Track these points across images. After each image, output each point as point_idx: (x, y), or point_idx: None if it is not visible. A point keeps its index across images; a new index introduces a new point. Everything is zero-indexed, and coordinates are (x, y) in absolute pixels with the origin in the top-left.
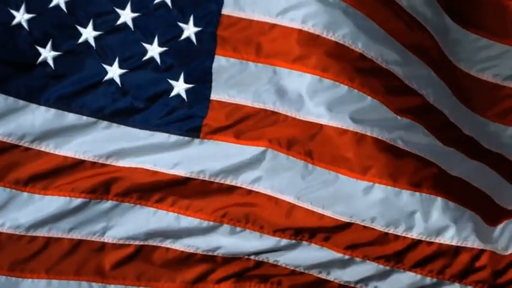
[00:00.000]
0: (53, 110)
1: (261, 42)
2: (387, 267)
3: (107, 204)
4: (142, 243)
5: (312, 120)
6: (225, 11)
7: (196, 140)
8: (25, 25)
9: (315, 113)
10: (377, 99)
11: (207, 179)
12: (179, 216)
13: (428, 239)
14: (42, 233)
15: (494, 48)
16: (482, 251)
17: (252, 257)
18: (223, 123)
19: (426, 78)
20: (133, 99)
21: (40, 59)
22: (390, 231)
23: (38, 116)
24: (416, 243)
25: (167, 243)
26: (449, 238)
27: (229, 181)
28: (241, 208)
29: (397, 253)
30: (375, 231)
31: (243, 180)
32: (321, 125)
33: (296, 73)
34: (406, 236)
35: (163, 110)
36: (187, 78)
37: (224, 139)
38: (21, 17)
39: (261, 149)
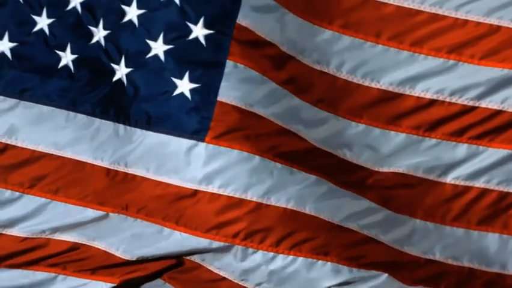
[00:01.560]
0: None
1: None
2: None
3: None
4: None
5: None
6: (240, 20)
7: (202, 144)
8: (46, 30)
9: None
10: None
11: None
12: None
13: None
14: None
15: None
16: None
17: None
18: (229, 127)
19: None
20: (140, 99)
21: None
22: None
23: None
24: None
25: None
26: None
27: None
28: None
29: None
30: None
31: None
32: None
33: None
34: None
35: (165, 109)
36: (192, 77)
37: (229, 145)
38: (43, 22)
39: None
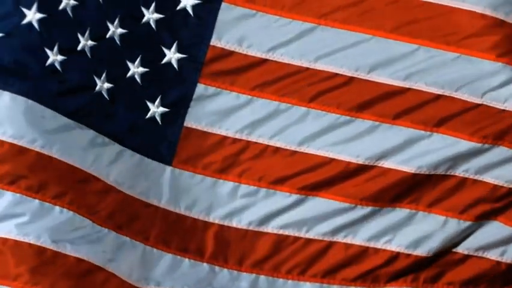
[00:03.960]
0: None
1: (251, 75)
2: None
3: None
4: None
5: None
6: (214, 42)
7: (168, 168)
8: (36, 25)
9: None
10: None
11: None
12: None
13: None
14: None
15: None
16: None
17: None
18: (195, 152)
19: None
20: (116, 116)
21: (48, 62)
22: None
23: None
24: (395, 256)
25: None
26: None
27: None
28: None
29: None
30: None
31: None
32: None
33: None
34: (385, 249)
35: (138, 130)
36: (163, 102)
37: (194, 170)
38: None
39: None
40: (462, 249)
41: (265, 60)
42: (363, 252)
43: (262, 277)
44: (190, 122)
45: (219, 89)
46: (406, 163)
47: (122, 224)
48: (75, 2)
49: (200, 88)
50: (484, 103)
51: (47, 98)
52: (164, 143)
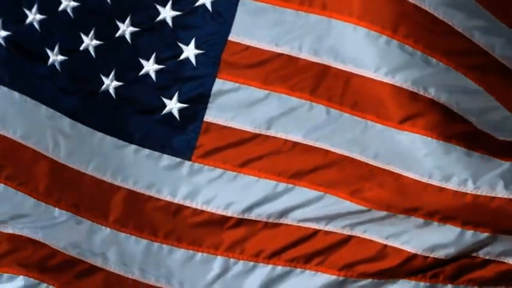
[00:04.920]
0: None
1: (268, 70)
2: (382, 280)
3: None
4: None
5: None
6: (232, 37)
7: (187, 163)
8: (36, 25)
9: None
10: None
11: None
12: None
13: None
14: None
15: None
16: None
17: None
18: (215, 146)
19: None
20: (125, 113)
21: (49, 62)
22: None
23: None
24: (412, 257)
25: None
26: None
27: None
28: None
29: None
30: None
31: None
32: None
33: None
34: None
35: (153, 127)
36: (181, 98)
37: (215, 164)
38: (33, 17)
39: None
40: (483, 254)
41: (280, 55)
42: (382, 250)
43: (279, 268)
44: (209, 117)
45: (237, 83)
46: None
47: (127, 223)
48: (77, 3)
49: (218, 83)
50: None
51: (48, 97)
52: (183, 138)
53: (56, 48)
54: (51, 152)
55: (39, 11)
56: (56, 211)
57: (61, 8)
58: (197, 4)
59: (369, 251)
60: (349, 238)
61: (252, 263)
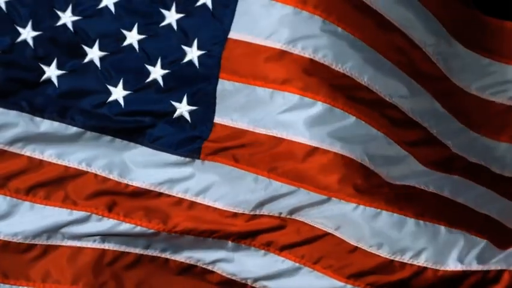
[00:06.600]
0: (56, 123)
1: (268, 68)
2: None
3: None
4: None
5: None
6: (232, 35)
7: (197, 161)
8: (30, 42)
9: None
10: (382, 131)
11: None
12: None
13: (434, 267)
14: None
15: (508, 71)
16: (487, 272)
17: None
18: (223, 145)
19: (429, 109)
20: (136, 120)
21: (44, 77)
22: (396, 259)
23: (41, 128)
24: (422, 270)
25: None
26: (452, 264)
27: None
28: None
29: (402, 281)
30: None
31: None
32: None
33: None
34: (413, 263)
35: (166, 131)
36: (190, 100)
37: (223, 161)
38: (27, 34)
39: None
40: (495, 265)
41: (283, 52)
42: (390, 263)
43: (287, 261)
44: (218, 117)
45: (239, 83)
46: None
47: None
48: (79, 17)
49: (222, 83)
50: None
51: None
52: (195, 139)
53: (54, 63)
54: None
55: (34, 28)
56: None
57: (59, 23)
58: (198, 4)
59: (377, 263)
60: (356, 248)
61: (262, 251)
